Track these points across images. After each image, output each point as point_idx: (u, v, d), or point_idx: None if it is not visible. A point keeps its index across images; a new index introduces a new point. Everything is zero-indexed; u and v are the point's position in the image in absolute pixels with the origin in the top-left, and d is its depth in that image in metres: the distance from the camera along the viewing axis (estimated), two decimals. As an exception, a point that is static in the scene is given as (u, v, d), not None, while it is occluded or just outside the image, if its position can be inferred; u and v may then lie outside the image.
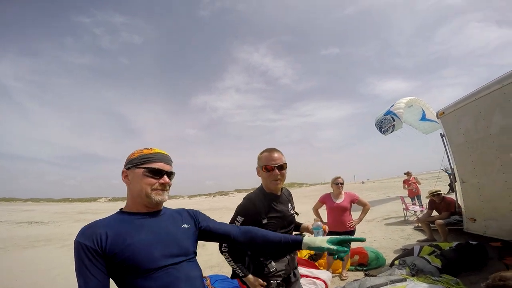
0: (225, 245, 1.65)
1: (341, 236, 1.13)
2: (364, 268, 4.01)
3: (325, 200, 3.93)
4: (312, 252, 4.24)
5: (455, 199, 5.27)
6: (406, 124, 7.88)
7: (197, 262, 1.16)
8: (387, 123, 7.90)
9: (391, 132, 8.11)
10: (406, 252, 4.16)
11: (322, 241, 1.12)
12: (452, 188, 5.31)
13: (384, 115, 7.99)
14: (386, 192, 18.30)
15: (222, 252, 1.67)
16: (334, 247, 1.09)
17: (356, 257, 4.15)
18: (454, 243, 4.00)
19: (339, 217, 3.73)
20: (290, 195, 1.94)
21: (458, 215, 4.90)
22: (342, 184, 3.85)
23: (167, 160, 1.15)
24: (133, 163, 1.10)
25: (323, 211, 4.02)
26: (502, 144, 3.50)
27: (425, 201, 6.47)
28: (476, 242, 3.86)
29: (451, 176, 5.28)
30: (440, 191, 5.53)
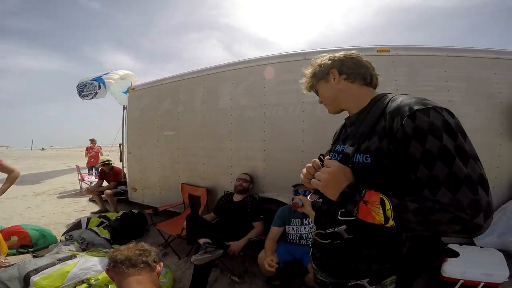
0: None
1: None
2: (30, 250, 3.50)
3: None
4: None
5: (121, 169, 5.82)
6: (110, 94, 7.33)
7: None
8: (91, 89, 7.03)
9: (91, 99, 7.23)
10: (74, 226, 3.99)
11: None
12: (120, 158, 5.89)
13: (92, 80, 7.12)
14: (68, 161, 17.02)
15: None
16: None
17: (15, 238, 3.52)
18: (121, 213, 4.25)
19: None
20: None
21: (124, 185, 5.44)
22: None
23: None
24: None
25: None
26: (162, 123, 4.45)
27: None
28: (137, 211, 4.30)
29: (121, 147, 5.70)
30: (111, 160, 5.77)
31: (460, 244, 2.62)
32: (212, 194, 3.84)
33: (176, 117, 4.25)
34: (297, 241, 2.53)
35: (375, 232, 0.87)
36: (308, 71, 1.11)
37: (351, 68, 1.01)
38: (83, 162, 8.97)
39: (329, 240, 0.97)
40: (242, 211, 3.04)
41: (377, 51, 2.94)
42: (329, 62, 1.04)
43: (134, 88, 5.13)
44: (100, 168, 5.86)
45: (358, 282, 0.91)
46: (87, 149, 9.08)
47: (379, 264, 0.90)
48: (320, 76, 1.06)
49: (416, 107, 0.75)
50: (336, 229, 0.93)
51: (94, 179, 7.53)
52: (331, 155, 1.08)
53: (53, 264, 2.52)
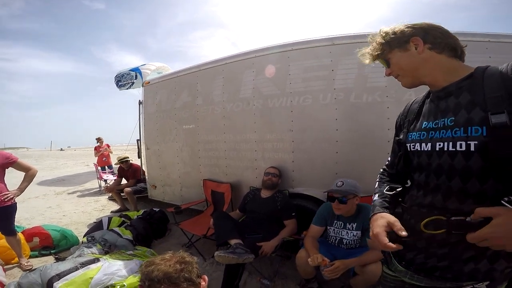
0: None
1: None
2: (52, 251, 3.42)
3: None
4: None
5: (140, 166, 5.59)
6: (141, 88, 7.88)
7: None
8: (128, 79, 7.46)
9: (128, 89, 7.69)
10: (95, 226, 3.80)
11: None
12: (139, 155, 5.57)
13: (129, 70, 7.55)
14: (85, 160, 17.29)
15: None
16: None
17: (36, 240, 3.44)
18: (142, 211, 4.14)
19: None
20: None
21: (144, 182, 5.30)
22: None
23: None
24: None
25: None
26: (180, 117, 4.25)
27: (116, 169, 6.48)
28: (158, 209, 4.18)
29: (139, 142, 5.44)
30: (129, 157, 5.63)
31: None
32: (236, 190, 3.63)
33: (195, 109, 4.05)
34: (336, 244, 2.30)
35: None
36: (376, 39, 1.01)
37: (438, 38, 0.92)
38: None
39: (443, 230, 0.81)
40: (272, 208, 2.82)
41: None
42: (408, 29, 0.95)
43: (149, 82, 4.96)
44: (118, 166, 5.74)
45: (475, 286, 0.80)
46: (95, 148, 8.80)
47: (507, 261, 0.77)
48: (396, 44, 0.96)
49: None
50: (468, 219, 0.75)
51: (111, 177, 7.49)
52: (417, 134, 0.96)
53: (76, 268, 2.41)
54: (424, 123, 0.95)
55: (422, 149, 0.93)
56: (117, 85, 7.85)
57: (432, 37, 0.92)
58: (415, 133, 0.97)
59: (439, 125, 0.88)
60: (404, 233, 0.87)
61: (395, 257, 1.01)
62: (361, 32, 2.86)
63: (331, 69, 2.92)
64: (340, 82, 2.89)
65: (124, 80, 7.63)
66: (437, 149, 0.87)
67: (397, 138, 1.10)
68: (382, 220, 0.95)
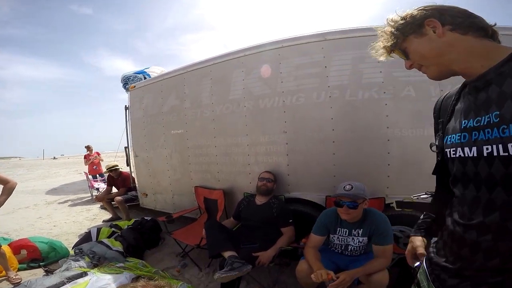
0: None
1: None
2: (41, 264, 3.27)
3: None
4: None
5: (130, 173, 5.42)
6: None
7: None
8: (136, 81, 7.68)
9: None
10: (83, 238, 3.66)
11: None
12: (127, 162, 5.43)
13: (135, 73, 7.29)
14: (78, 169, 16.90)
15: None
16: None
17: (24, 252, 3.30)
18: (133, 221, 3.97)
19: None
20: None
21: (134, 190, 5.12)
22: None
23: None
24: None
25: None
26: (168, 121, 4.07)
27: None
28: (150, 218, 4.04)
29: (127, 150, 5.30)
30: (117, 165, 5.50)
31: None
32: (230, 196, 3.47)
33: (183, 113, 3.87)
34: (341, 251, 2.16)
35: None
36: (386, 29, 0.87)
37: (458, 17, 0.77)
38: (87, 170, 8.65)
39: None
40: (268, 215, 2.68)
41: None
42: (419, 12, 0.81)
43: (135, 86, 4.78)
44: (107, 175, 5.56)
45: None
46: (85, 156, 8.66)
47: None
48: (409, 30, 0.82)
49: None
50: None
51: (103, 186, 7.30)
52: (456, 137, 0.78)
53: (62, 283, 2.33)
54: (464, 121, 0.77)
55: (466, 155, 0.74)
56: (124, 88, 8.03)
57: (450, 17, 0.77)
58: (454, 136, 0.79)
59: (483, 123, 0.70)
60: (421, 251, 0.94)
61: (434, 282, 0.85)
62: (354, 27, 2.74)
63: (324, 65, 2.78)
64: (334, 79, 2.75)
65: (131, 83, 7.84)
66: (485, 154, 0.68)
67: (432, 144, 0.94)
68: (409, 245, 1.01)
